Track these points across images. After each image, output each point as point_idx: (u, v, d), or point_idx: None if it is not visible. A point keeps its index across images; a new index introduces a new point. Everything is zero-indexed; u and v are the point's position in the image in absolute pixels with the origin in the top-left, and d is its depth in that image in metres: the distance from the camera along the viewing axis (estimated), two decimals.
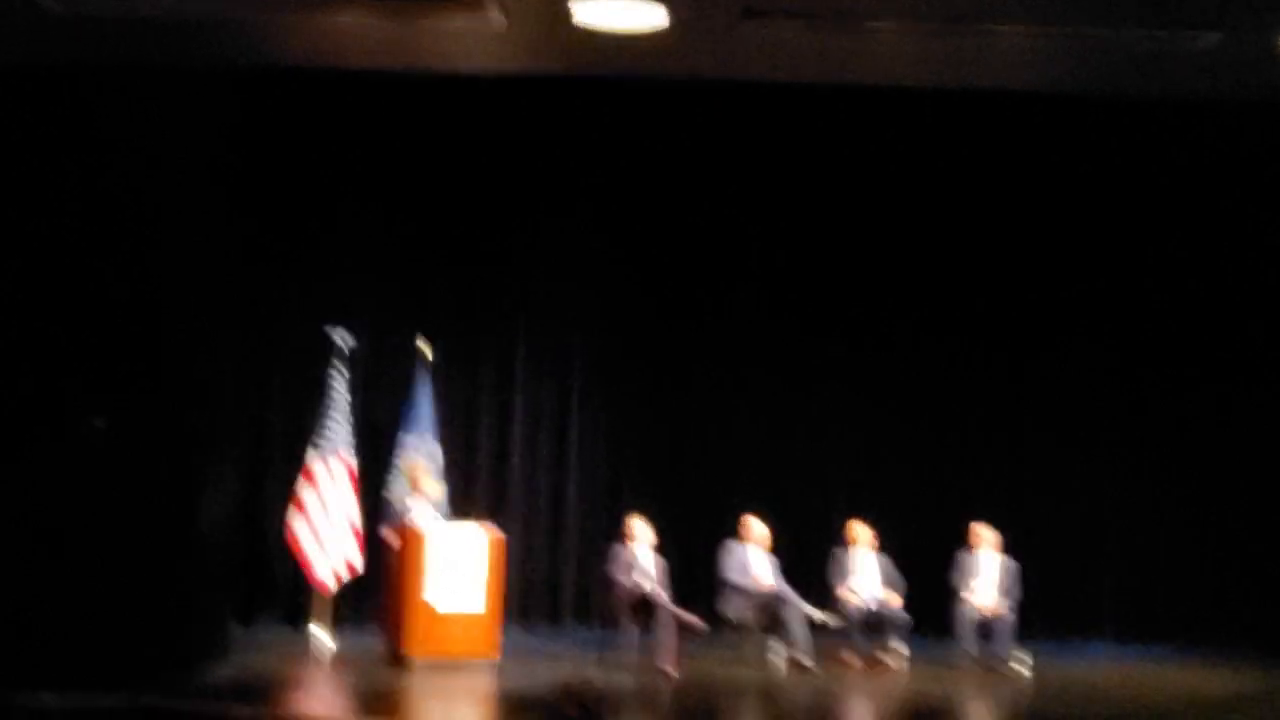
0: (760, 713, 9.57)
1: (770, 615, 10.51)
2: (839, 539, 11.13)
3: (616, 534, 11.18)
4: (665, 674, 9.85)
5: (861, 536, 11.01)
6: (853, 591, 10.74)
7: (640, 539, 10.51)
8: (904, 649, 10.74)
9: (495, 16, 7.05)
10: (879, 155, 12.11)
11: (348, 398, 10.85)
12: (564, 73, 9.05)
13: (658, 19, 7.12)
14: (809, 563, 11.38)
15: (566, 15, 7.04)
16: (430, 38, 7.63)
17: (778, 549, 10.99)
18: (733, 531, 10.98)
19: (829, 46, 7.92)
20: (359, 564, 10.81)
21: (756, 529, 10.84)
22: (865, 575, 10.91)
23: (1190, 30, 7.42)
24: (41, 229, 9.14)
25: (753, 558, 10.75)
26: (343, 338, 10.96)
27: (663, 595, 10.26)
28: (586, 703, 4.45)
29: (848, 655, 10.62)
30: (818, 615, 10.46)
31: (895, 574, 10.96)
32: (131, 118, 9.09)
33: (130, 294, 9.20)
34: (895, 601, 10.76)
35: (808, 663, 10.21)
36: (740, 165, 11.99)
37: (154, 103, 9.11)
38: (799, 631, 10.32)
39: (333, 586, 10.69)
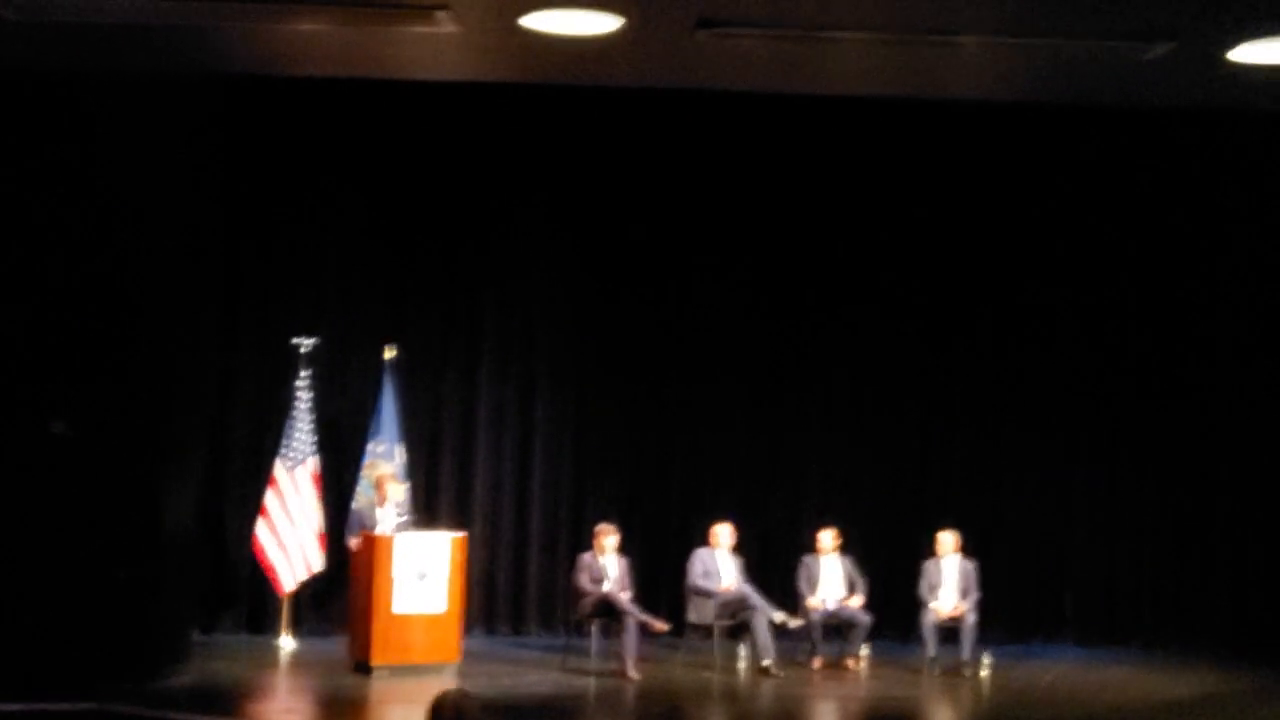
0: (723, 716, 9.60)
1: (735, 619, 10.56)
2: (808, 546, 11.17)
3: (581, 539, 11.24)
4: (627, 677, 9.89)
5: (830, 544, 11.06)
6: (819, 599, 10.79)
7: (606, 543, 10.54)
8: (866, 652, 10.81)
9: (448, 24, 7.06)
10: (840, 164, 12.18)
11: (312, 405, 10.92)
12: (521, 80, 9.08)
13: (608, 25, 7.15)
14: (776, 567, 11.43)
15: (517, 22, 7.06)
16: (385, 45, 7.62)
17: (746, 554, 11.04)
18: (699, 536, 11.02)
19: (786, 56, 7.93)
20: (317, 565, 10.86)
21: (722, 533, 10.88)
22: (830, 581, 10.97)
23: (1144, 41, 7.50)
24: (4, 235, 9.11)
25: (718, 562, 10.79)
26: (308, 346, 11.00)
27: (625, 598, 10.30)
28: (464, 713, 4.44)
29: (811, 658, 10.69)
30: (780, 617, 10.50)
31: (858, 575, 11.01)
32: (92, 126, 9.07)
33: (92, 299, 9.16)
34: (858, 603, 10.83)
35: (771, 665, 10.25)
36: (702, 173, 12.04)
37: (113, 112, 9.08)
38: (763, 635, 10.36)
39: (290, 589, 10.79)
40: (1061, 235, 12.35)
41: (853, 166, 12.20)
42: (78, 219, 9.15)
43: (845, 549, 11.12)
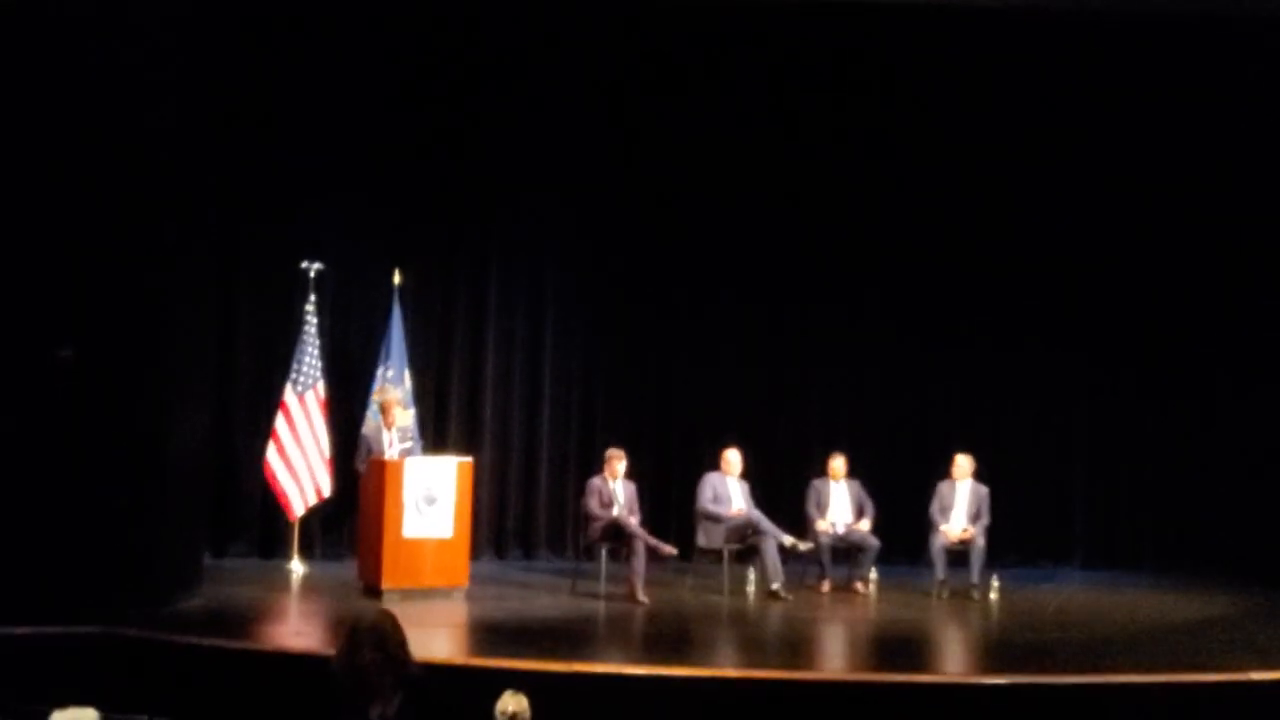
0: (732, 639, 9.63)
1: (744, 543, 10.57)
2: (817, 470, 11.15)
3: (590, 463, 11.23)
4: (636, 601, 9.92)
5: (840, 469, 11.04)
6: (828, 523, 10.79)
7: (617, 467, 10.53)
8: (874, 575, 10.83)
9: None
10: (862, 74, 11.95)
11: (320, 330, 10.89)
12: None
13: None
14: (784, 492, 11.43)
15: None
16: None
17: (755, 478, 11.03)
18: (708, 461, 11.00)
19: None
20: (327, 489, 10.88)
21: (732, 458, 10.87)
22: (839, 505, 10.97)
23: None
24: (6, 155, 8.99)
25: (728, 487, 10.78)
26: (316, 270, 10.95)
27: (633, 522, 10.31)
28: (387, 646, 4.41)
29: (820, 582, 10.71)
30: (789, 541, 10.50)
31: (867, 499, 11.01)
32: (97, 40, 8.91)
33: (98, 223, 9.06)
34: (866, 527, 10.83)
35: (780, 589, 10.27)
36: (717, 86, 11.86)
37: (119, 24, 8.92)
38: (772, 559, 10.37)
39: (301, 514, 10.82)
40: (1068, 156, 12.17)
41: (867, 81, 11.98)
42: (80, 140, 9.01)
43: (853, 473, 11.12)
